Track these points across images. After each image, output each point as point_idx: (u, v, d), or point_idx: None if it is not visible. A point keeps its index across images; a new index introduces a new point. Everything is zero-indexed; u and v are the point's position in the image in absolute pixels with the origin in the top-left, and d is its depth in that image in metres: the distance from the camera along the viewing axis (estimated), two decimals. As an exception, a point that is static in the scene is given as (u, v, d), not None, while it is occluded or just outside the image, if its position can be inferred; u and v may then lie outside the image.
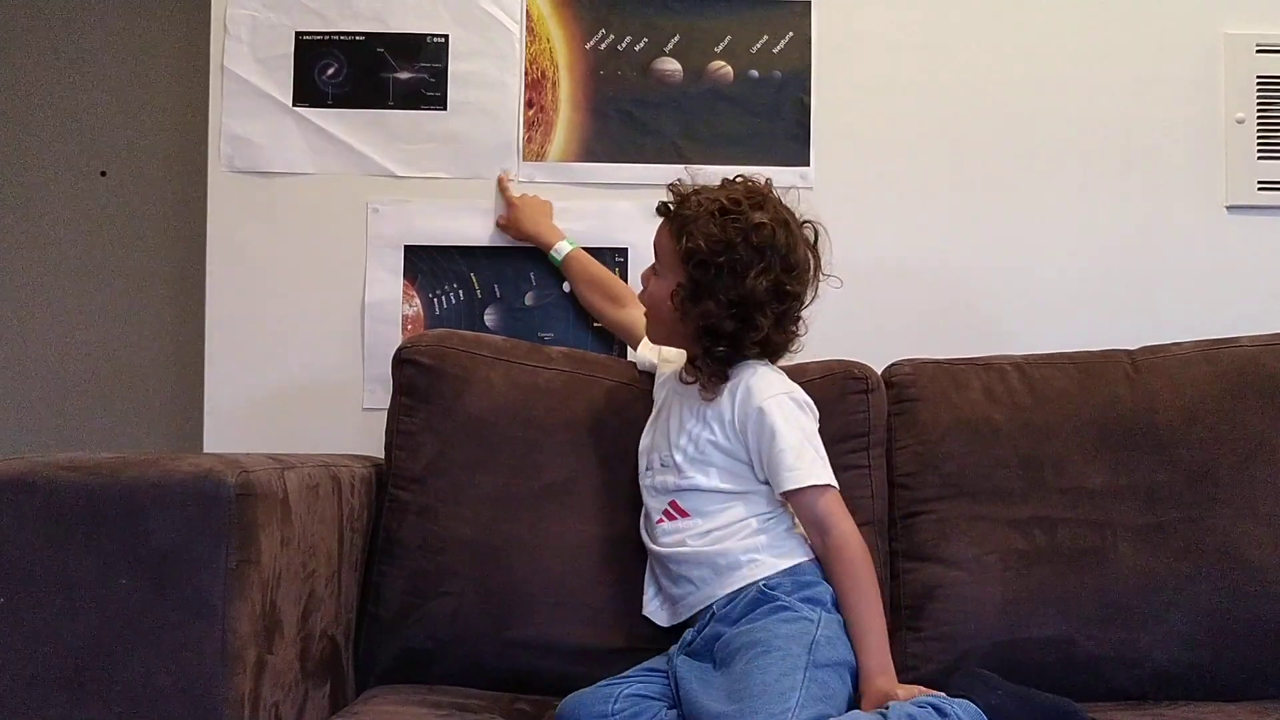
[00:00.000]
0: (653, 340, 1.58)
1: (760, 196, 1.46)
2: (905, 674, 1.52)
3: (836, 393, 1.62)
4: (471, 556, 1.54)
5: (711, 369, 1.46)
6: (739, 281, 1.41)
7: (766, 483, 1.45)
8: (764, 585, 1.39)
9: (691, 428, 1.48)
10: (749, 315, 1.43)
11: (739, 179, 1.50)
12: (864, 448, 1.61)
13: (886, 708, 1.24)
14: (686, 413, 1.50)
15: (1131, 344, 1.67)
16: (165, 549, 1.13)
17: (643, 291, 1.53)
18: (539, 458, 1.59)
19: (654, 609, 1.51)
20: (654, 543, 1.49)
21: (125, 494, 1.14)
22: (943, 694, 1.29)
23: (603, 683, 1.36)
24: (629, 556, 1.55)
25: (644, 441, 1.55)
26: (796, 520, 1.46)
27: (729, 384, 1.47)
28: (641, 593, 1.53)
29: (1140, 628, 1.49)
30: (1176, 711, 1.42)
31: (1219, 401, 1.57)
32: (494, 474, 1.58)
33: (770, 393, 1.45)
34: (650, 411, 1.59)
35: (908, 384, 1.65)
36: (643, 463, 1.54)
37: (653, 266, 1.50)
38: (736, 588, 1.40)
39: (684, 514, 1.46)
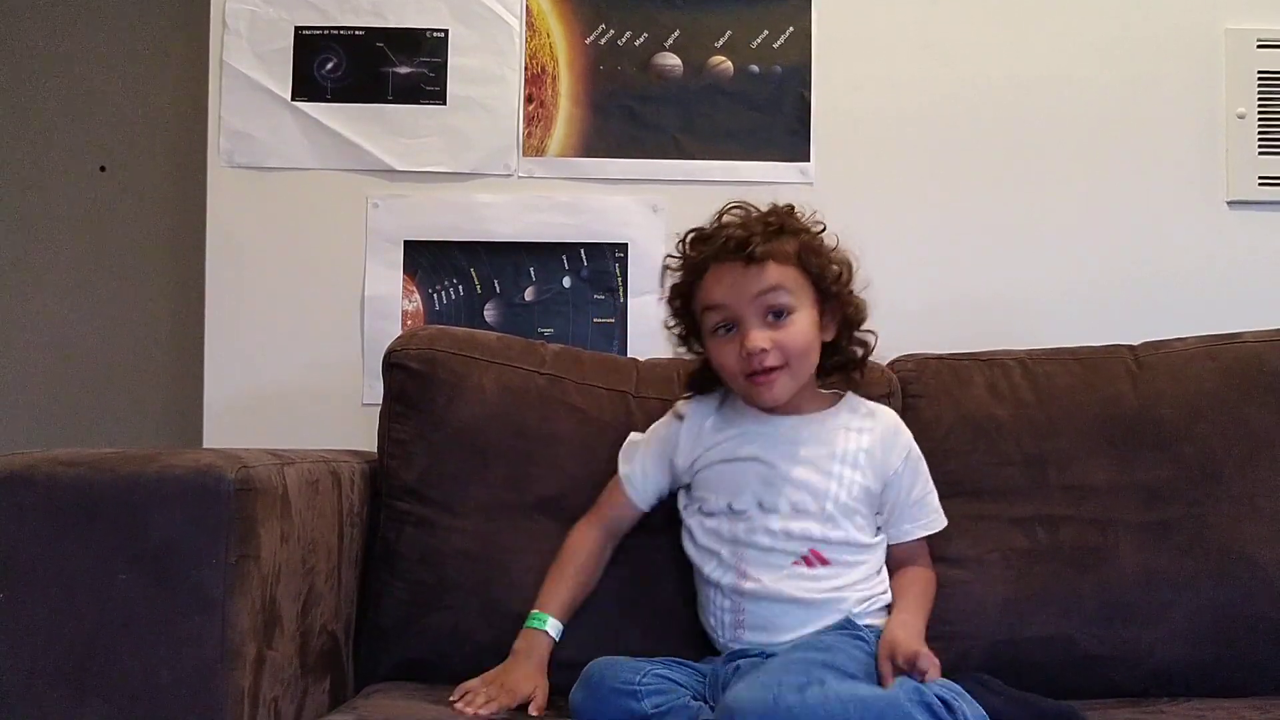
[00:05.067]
0: (786, 396, 1.40)
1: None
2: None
3: (863, 391, 1.58)
4: (471, 570, 1.51)
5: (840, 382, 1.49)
6: (849, 292, 1.45)
7: (878, 531, 1.46)
8: (851, 615, 1.37)
9: (839, 471, 1.42)
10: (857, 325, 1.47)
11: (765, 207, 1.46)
12: (887, 449, 1.61)
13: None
14: (819, 452, 1.42)
15: (1133, 339, 1.67)
16: (165, 544, 1.13)
17: (776, 346, 1.36)
18: (531, 469, 1.55)
19: (731, 639, 1.41)
20: (779, 584, 1.37)
21: (125, 489, 1.14)
22: (956, 685, 1.26)
23: (632, 658, 1.32)
24: (627, 571, 1.52)
25: (736, 482, 1.42)
26: None
27: (864, 419, 1.46)
28: (626, 611, 1.50)
29: (1142, 626, 1.49)
30: (1177, 707, 1.42)
31: (1222, 398, 1.57)
32: (486, 486, 1.54)
33: (907, 430, 1.49)
34: (645, 423, 1.54)
35: (910, 379, 1.64)
36: (740, 502, 1.40)
37: (768, 313, 1.37)
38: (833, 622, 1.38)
39: (825, 562, 1.39)
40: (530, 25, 1.93)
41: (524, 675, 1.36)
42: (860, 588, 1.40)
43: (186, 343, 2.14)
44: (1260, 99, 1.93)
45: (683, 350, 1.50)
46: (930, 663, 1.24)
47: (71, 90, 2.38)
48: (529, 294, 1.91)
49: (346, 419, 1.86)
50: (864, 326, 1.47)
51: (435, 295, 1.91)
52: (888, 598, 1.43)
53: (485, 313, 1.91)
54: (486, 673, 1.38)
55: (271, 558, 1.21)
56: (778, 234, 1.39)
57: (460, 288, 1.91)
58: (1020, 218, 1.93)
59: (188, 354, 2.07)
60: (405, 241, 1.91)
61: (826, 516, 1.39)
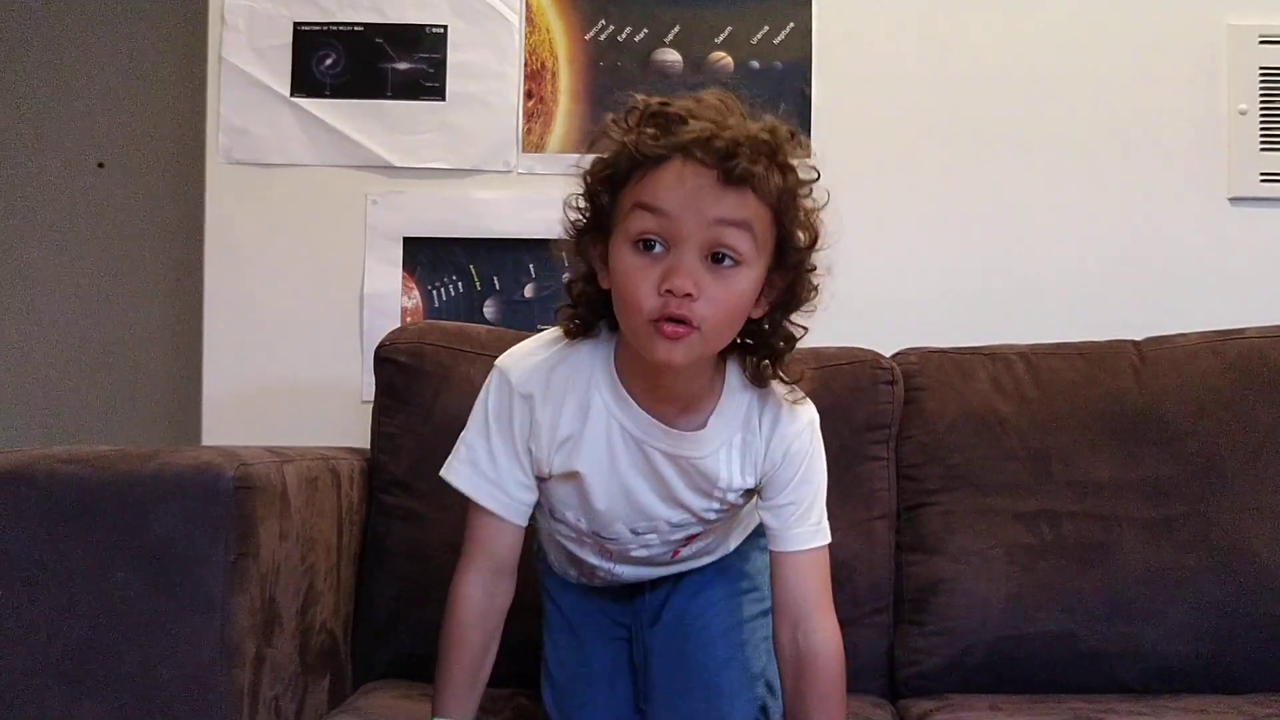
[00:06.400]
0: (685, 362, 1.05)
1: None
2: (907, 668, 1.52)
3: (867, 381, 1.60)
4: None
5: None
6: (806, 268, 1.09)
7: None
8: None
9: (721, 496, 1.18)
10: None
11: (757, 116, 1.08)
12: (885, 439, 1.59)
13: None
14: (694, 490, 1.17)
15: (1134, 335, 1.66)
16: (164, 542, 1.12)
17: (705, 297, 1.02)
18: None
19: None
20: (651, 570, 1.29)
21: (123, 487, 1.13)
22: None
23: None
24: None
25: (603, 512, 1.19)
26: None
27: (752, 430, 1.16)
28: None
29: (1144, 622, 1.49)
30: (1179, 703, 1.42)
31: (1226, 394, 1.57)
32: None
33: (810, 415, 1.18)
34: None
35: (914, 373, 1.64)
36: (611, 531, 1.22)
37: (713, 251, 1.02)
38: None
39: (703, 535, 1.26)
40: (530, 21, 1.92)
41: None
42: (740, 525, 1.30)
43: (185, 339, 2.14)
44: (1262, 95, 1.92)
45: (567, 254, 1.15)
46: None
47: (69, 86, 2.38)
48: (528, 290, 1.91)
49: (345, 416, 1.86)
50: (802, 316, 1.12)
51: (435, 292, 1.91)
52: None
53: (485, 309, 1.90)
54: None
55: (271, 556, 1.21)
56: (768, 158, 1.04)
57: (460, 284, 1.91)
58: (1022, 213, 1.92)
59: (187, 350, 2.07)
60: (404, 238, 1.90)
61: (707, 523, 1.22)
